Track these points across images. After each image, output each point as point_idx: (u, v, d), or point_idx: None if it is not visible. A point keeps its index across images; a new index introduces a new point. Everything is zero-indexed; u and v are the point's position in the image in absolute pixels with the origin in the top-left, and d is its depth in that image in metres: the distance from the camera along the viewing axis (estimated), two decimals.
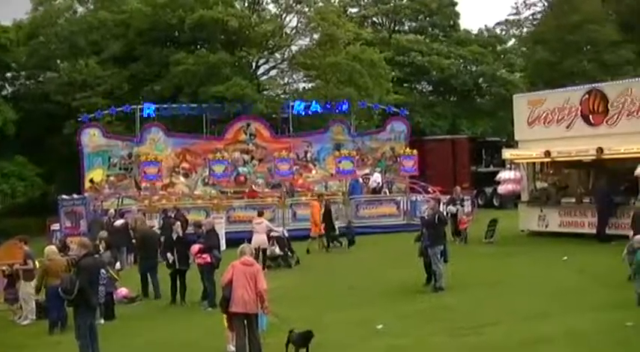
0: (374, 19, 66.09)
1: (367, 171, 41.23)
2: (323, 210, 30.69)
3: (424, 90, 65.84)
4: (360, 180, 39.13)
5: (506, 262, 24.22)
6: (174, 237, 21.66)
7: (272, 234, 27.45)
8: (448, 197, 31.93)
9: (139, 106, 41.50)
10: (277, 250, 27.25)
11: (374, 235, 32.73)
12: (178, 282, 21.00)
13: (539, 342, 14.02)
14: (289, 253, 27.61)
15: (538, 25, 65.92)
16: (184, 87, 44.11)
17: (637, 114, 27.00)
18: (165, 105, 42.05)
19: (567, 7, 60.44)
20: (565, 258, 23.67)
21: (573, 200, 29.39)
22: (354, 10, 65.33)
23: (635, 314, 15.29)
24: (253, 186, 39.81)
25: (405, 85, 61.88)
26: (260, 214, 28.41)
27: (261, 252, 25.47)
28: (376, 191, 38.72)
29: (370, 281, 22.06)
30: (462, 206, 31.30)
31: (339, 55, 45.08)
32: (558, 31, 59.84)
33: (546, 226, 29.91)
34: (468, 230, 30.05)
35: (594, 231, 27.55)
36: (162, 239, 23.36)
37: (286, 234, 28.39)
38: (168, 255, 21.25)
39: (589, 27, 59.65)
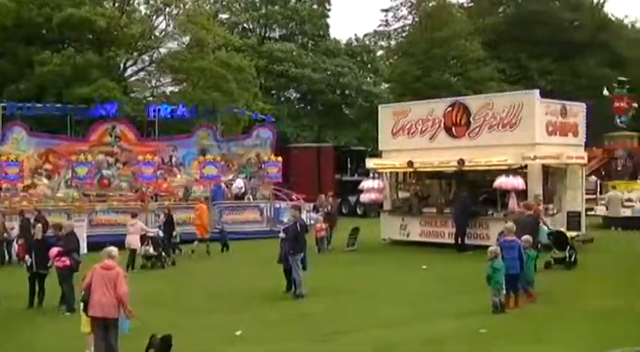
0: (244, 25, 65.96)
1: (231, 176, 40.88)
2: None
3: (292, 99, 66.15)
4: (224, 185, 38.74)
5: (367, 270, 24.37)
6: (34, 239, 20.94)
7: (148, 234, 27.40)
8: (312, 204, 32.06)
9: (2, 104, 39.93)
10: (151, 250, 27.01)
11: (238, 241, 32.44)
12: (37, 286, 20.24)
13: (394, 348, 14.17)
14: (164, 254, 27.35)
15: (406, 38, 67.10)
16: (49, 87, 42.88)
17: (498, 127, 27.80)
18: (29, 105, 40.59)
19: (436, 22, 61.88)
20: (425, 266, 24.09)
21: (434, 210, 29.90)
22: (225, 15, 65.14)
23: (490, 321, 15.67)
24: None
25: (274, 93, 62.13)
26: (134, 215, 28.33)
27: (130, 252, 25.67)
28: (239, 197, 38.44)
29: (234, 287, 21.83)
30: (325, 213, 31.44)
31: (207, 59, 44.77)
32: (426, 44, 61.23)
33: (407, 235, 30.33)
34: (329, 237, 30.14)
35: (454, 241, 28.08)
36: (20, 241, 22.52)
37: (161, 235, 28.09)
38: (27, 257, 20.49)
39: (456, 43, 61.32)
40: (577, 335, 14.24)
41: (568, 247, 22.73)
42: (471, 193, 28.62)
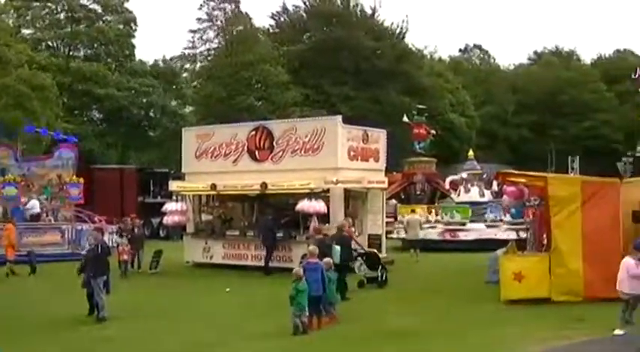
0: (49, 42, 64.08)
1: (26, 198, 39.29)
2: None
3: (96, 119, 64.80)
4: (22, 207, 37.21)
5: (171, 293, 24.12)
6: None
7: None
8: (116, 227, 31.33)
9: None
10: None
11: (39, 264, 31.13)
12: None
13: None
14: None
15: (212, 61, 67.19)
16: None
17: (301, 152, 28.20)
18: None
19: (241, 46, 62.29)
20: (228, 289, 24.03)
21: (237, 233, 29.98)
22: (29, 31, 63.04)
23: (291, 343, 15.91)
24: None
25: (77, 112, 60.64)
26: None
27: None
28: (34, 218, 37.00)
29: (33, 311, 20.93)
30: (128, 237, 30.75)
31: (9, 76, 43.10)
32: (231, 68, 61.45)
33: (211, 258, 30.24)
34: (139, 260, 29.58)
35: (257, 263, 28.27)
36: None
37: None
38: None
39: (261, 67, 61.87)
40: None
41: (380, 267, 23.91)
42: (274, 216, 28.73)
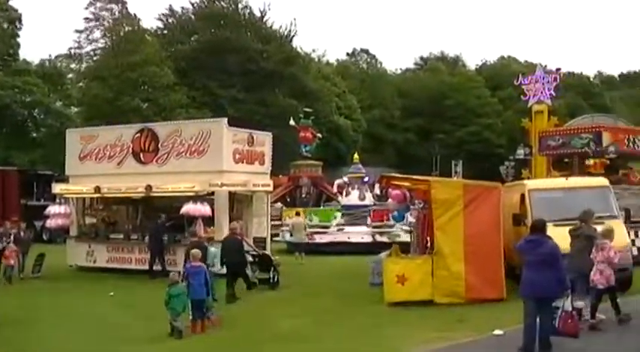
0: None
1: None
2: None
3: None
4: None
5: (54, 298, 23.67)
6: None
7: None
8: None
9: None
10: None
11: None
12: None
13: None
14: None
15: (98, 61, 66.15)
16: None
17: (185, 154, 28.03)
18: None
19: (128, 47, 61.49)
20: (112, 293, 23.74)
21: (122, 236, 29.65)
22: None
23: (169, 347, 15.95)
24: None
25: None
26: None
27: None
28: None
29: None
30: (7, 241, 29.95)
31: None
32: (117, 68, 60.62)
33: (94, 261, 29.81)
34: (22, 264, 28.82)
35: (141, 266, 27.99)
36: None
37: None
38: None
39: (147, 68, 61.18)
40: None
41: (272, 269, 24.22)
42: (159, 219, 28.45)
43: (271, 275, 24.29)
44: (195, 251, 18.71)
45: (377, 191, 40.50)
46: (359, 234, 36.14)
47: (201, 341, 16.49)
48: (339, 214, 38.95)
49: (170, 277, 17.20)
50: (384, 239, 34.04)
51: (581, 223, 17.03)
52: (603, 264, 15.54)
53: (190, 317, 17.03)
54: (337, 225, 38.10)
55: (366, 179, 40.00)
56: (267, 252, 26.73)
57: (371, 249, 30.75)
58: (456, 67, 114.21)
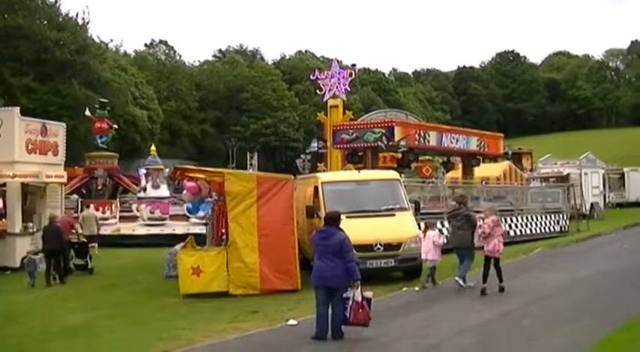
0: None
1: None
2: None
3: None
4: None
5: None
6: None
7: None
8: None
9: None
10: None
11: None
12: None
13: None
14: None
15: None
16: None
17: None
18: None
19: None
20: None
21: None
22: None
23: None
24: None
25: None
26: None
27: None
28: None
29: None
30: None
31: None
32: None
33: None
34: None
35: None
36: None
37: None
38: None
39: None
40: None
41: (87, 255, 25.61)
42: None
43: (87, 261, 25.46)
44: None
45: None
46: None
47: None
48: None
49: None
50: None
51: (460, 205, 20.16)
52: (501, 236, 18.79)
53: None
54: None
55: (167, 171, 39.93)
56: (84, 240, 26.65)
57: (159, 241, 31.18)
58: (254, 60, 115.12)
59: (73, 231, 25.96)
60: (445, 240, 22.01)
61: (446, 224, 25.37)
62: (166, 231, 36.68)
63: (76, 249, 25.46)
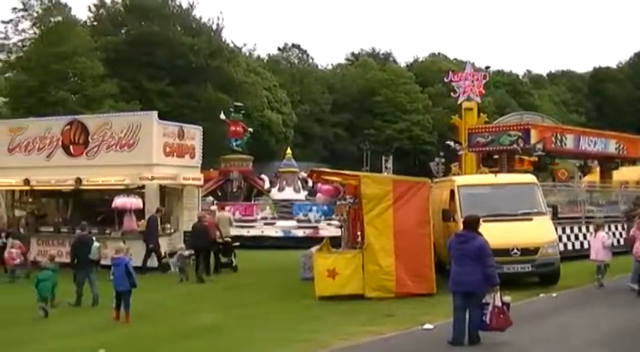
0: None
1: None
2: None
3: None
4: None
5: None
6: None
7: None
8: None
9: None
10: None
11: None
12: None
13: None
14: None
15: (26, 52, 64.96)
16: None
17: (116, 147, 27.95)
18: None
19: (56, 37, 60.56)
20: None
21: (52, 229, 29.26)
22: None
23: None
24: None
25: None
26: None
27: None
28: None
29: None
30: None
31: None
32: (45, 59, 59.63)
33: None
34: None
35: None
36: None
37: None
38: None
39: (77, 59, 60.31)
40: None
41: (233, 254, 26.94)
42: (88, 212, 28.12)
43: (232, 260, 26.82)
44: (120, 244, 19.08)
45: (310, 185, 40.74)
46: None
47: (124, 333, 16.17)
48: None
49: (42, 263, 17.44)
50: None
51: (636, 207, 21.79)
52: None
53: (113, 306, 17.05)
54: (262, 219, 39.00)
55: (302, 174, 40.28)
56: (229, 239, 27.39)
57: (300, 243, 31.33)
58: (386, 63, 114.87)
59: (218, 232, 26.50)
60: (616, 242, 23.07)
61: (612, 226, 26.32)
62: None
63: (221, 248, 26.55)
